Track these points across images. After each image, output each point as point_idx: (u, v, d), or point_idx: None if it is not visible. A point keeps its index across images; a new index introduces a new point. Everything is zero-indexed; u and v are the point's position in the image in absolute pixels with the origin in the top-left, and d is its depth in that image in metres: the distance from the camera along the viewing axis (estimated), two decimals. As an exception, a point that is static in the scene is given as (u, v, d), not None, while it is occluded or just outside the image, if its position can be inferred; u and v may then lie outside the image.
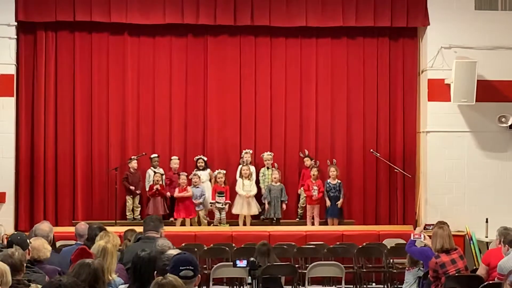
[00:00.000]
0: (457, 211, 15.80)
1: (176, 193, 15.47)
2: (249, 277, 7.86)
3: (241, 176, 15.71)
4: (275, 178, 15.70)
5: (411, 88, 16.65)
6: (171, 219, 15.54)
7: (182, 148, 16.35)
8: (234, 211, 15.66)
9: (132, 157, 15.83)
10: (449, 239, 9.68)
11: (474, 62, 15.62)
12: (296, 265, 12.43)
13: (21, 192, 15.76)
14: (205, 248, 13.46)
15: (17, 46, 15.72)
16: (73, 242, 10.21)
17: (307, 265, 12.45)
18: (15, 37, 15.58)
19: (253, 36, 16.53)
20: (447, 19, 16.10)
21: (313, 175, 15.70)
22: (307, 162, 16.05)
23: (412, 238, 10.56)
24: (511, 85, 16.09)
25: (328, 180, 15.74)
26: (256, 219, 15.90)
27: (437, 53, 16.05)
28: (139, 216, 15.67)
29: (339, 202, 15.67)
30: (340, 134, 16.61)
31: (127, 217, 15.71)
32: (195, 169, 15.86)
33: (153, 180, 15.49)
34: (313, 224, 15.66)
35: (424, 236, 10.47)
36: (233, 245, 13.72)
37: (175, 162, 15.88)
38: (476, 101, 15.58)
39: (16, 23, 15.51)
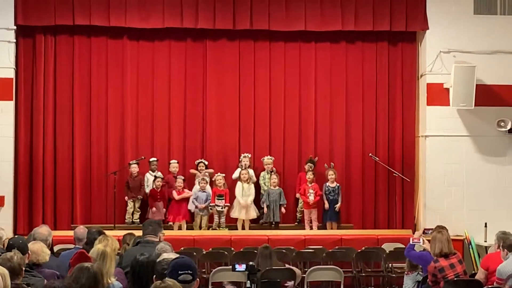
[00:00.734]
0: (456, 215, 15.81)
1: (176, 196, 15.45)
2: (248, 281, 7.86)
3: (240, 180, 15.71)
4: (273, 182, 15.70)
5: (410, 92, 16.66)
6: (170, 223, 15.56)
7: (181, 152, 16.34)
8: (233, 214, 15.65)
9: (131, 162, 15.82)
10: (448, 244, 9.67)
11: (473, 66, 15.63)
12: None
13: (20, 196, 15.76)
14: (204, 252, 13.44)
15: (16, 50, 15.73)
16: (71, 246, 10.22)
17: (306, 269, 12.43)
18: (14, 41, 15.59)
19: (252, 40, 16.54)
20: (446, 23, 16.13)
21: (309, 178, 15.70)
22: (307, 166, 16.02)
23: (411, 243, 10.56)
24: (510, 90, 16.11)
25: (327, 183, 15.74)
26: (255, 223, 15.90)
27: (436, 58, 16.06)
28: (138, 220, 15.66)
29: (337, 206, 15.67)
30: (339, 138, 16.61)
31: (126, 220, 15.69)
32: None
33: (154, 185, 15.46)
34: (311, 228, 15.65)
35: (423, 241, 10.47)
36: (232, 249, 13.70)
37: (174, 166, 15.87)
38: (475, 105, 15.59)
39: (15, 27, 15.53)
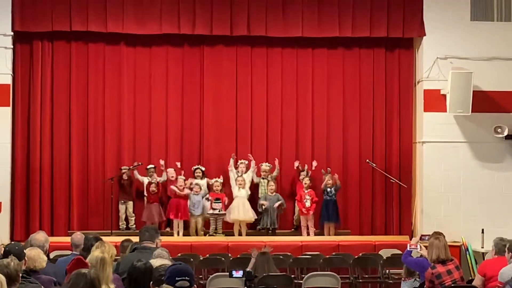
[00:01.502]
0: (453, 221, 15.81)
1: (175, 189, 15.49)
2: (245, 288, 7.85)
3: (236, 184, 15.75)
4: (271, 189, 15.70)
5: (407, 98, 16.67)
6: (167, 229, 15.55)
7: (178, 158, 16.32)
8: (232, 216, 15.58)
9: (122, 167, 15.81)
10: (445, 250, 9.68)
11: (470, 72, 15.65)
12: (292, 276, 12.41)
13: (17, 202, 15.74)
14: (201, 258, 13.43)
15: (14, 56, 15.73)
16: (69, 252, 10.20)
17: (303, 276, 12.42)
18: (12, 47, 15.59)
19: (249, 46, 16.55)
20: (443, 29, 16.15)
21: (305, 184, 15.70)
22: (301, 177, 16.02)
23: (408, 249, 10.55)
24: (507, 96, 16.13)
25: (326, 186, 15.75)
26: (252, 229, 15.89)
27: (433, 64, 16.08)
28: (134, 226, 15.66)
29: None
30: (336, 144, 16.62)
31: (120, 226, 15.69)
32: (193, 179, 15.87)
33: (150, 190, 15.47)
34: (308, 234, 15.65)
35: (420, 247, 10.46)
36: (229, 255, 13.69)
37: (171, 173, 15.86)
38: (472, 111, 15.60)
39: (12, 33, 15.53)
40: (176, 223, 15.49)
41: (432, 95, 16.07)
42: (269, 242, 14.68)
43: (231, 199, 15.73)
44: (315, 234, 15.67)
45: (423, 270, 9.86)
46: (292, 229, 16.23)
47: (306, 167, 16.10)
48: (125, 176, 15.77)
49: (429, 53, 16.17)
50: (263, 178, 15.95)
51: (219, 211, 15.47)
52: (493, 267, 9.46)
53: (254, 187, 16.03)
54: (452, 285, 9.43)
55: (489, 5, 16.34)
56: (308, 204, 15.59)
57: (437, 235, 9.91)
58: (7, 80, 15.53)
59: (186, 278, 5.96)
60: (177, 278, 5.94)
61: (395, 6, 16.22)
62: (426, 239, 11.16)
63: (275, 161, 16.00)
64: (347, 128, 16.66)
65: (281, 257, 13.25)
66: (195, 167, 15.96)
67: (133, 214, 15.86)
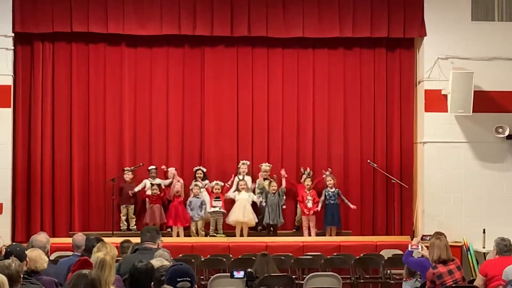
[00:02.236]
0: (454, 221, 15.80)
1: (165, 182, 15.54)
2: (247, 288, 7.84)
3: (237, 189, 15.70)
4: (273, 189, 15.68)
5: (408, 98, 16.67)
6: (168, 229, 15.55)
7: (179, 159, 16.33)
8: (232, 218, 15.59)
9: (125, 168, 15.82)
10: (446, 250, 9.68)
11: (471, 72, 15.64)
12: (294, 276, 12.41)
13: (18, 203, 15.73)
14: (202, 259, 13.43)
15: (14, 57, 15.72)
16: (70, 253, 10.21)
17: (304, 276, 12.42)
18: (12, 48, 15.59)
19: (250, 47, 16.55)
20: (444, 29, 16.14)
21: (307, 185, 15.70)
22: (303, 179, 16.01)
23: (409, 249, 10.56)
24: (508, 96, 16.12)
25: (327, 188, 15.74)
26: (253, 230, 15.89)
27: (434, 64, 16.07)
28: (135, 227, 15.66)
29: (350, 205, 15.71)
30: (337, 145, 16.61)
31: (121, 227, 15.68)
32: (194, 180, 15.85)
33: (151, 192, 15.46)
34: (309, 234, 15.65)
35: (422, 247, 10.48)
36: (230, 256, 13.69)
37: (172, 173, 15.87)
38: (473, 111, 15.60)
39: (13, 34, 15.53)
40: (175, 230, 15.47)
41: (433, 95, 16.07)
42: (270, 242, 14.74)
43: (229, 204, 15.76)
44: (317, 235, 15.67)
45: (424, 270, 9.86)
46: (294, 230, 16.22)
47: (308, 169, 16.10)
48: (127, 178, 15.74)
49: (430, 53, 16.17)
50: (265, 179, 15.94)
51: (219, 209, 15.47)
52: (494, 267, 9.46)
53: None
54: (454, 285, 9.43)
55: (490, 5, 16.34)
56: (310, 204, 15.59)
57: (438, 235, 9.92)
58: (8, 81, 15.53)
59: (187, 278, 5.96)
60: (178, 279, 5.94)
61: (396, 6, 16.22)
62: (427, 239, 11.16)
63: (282, 176, 15.96)
64: (348, 129, 16.65)
65: (282, 257, 13.25)
66: (196, 168, 15.95)
67: (134, 216, 15.85)
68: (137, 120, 16.32)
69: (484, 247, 15.12)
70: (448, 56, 16.07)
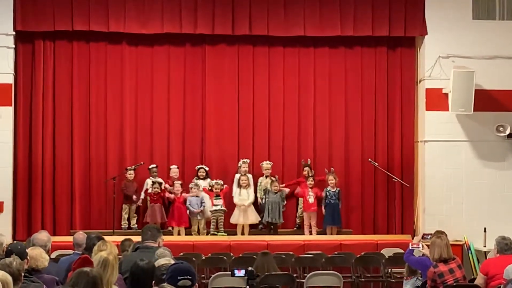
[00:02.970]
0: (455, 220, 15.80)
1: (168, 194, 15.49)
2: (248, 287, 7.84)
3: (239, 186, 15.71)
4: (275, 188, 15.68)
5: (409, 97, 16.67)
6: (169, 228, 15.55)
7: (180, 157, 16.34)
8: (232, 220, 15.65)
9: (128, 167, 15.82)
10: (447, 249, 9.68)
11: (472, 71, 15.63)
12: (294, 275, 12.39)
13: (19, 202, 15.74)
14: (203, 257, 13.43)
15: (15, 56, 15.72)
16: (71, 251, 10.21)
17: (305, 275, 12.41)
18: (13, 46, 15.58)
19: (251, 45, 16.55)
20: (445, 28, 16.14)
21: (310, 184, 15.71)
22: (306, 172, 16.02)
23: (410, 248, 10.55)
24: (509, 95, 16.12)
25: (328, 188, 15.74)
26: (254, 228, 15.89)
27: (435, 63, 16.07)
28: (136, 226, 15.66)
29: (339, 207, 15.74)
30: (338, 144, 16.61)
31: (122, 226, 15.67)
32: (195, 178, 15.85)
33: (152, 190, 15.46)
34: (310, 233, 15.65)
35: (422, 246, 10.46)
36: (231, 254, 13.68)
37: (174, 171, 15.88)
38: (474, 110, 15.59)
39: (14, 33, 15.52)
40: (176, 229, 15.47)
41: (434, 94, 16.07)
42: (271, 241, 14.74)
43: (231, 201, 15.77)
44: (318, 233, 15.67)
45: (425, 269, 9.86)
46: (295, 228, 16.22)
47: (309, 161, 16.11)
48: (129, 176, 15.74)
49: (431, 51, 16.17)
50: (266, 177, 15.95)
51: (220, 207, 15.48)
52: (495, 265, 9.45)
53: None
54: (454, 284, 9.43)
55: (491, 3, 16.32)
56: (311, 200, 15.59)
57: (439, 234, 9.92)
58: (9, 79, 15.53)
59: (188, 277, 5.97)
60: (179, 277, 5.94)
61: (397, 5, 16.21)
62: (428, 238, 11.14)
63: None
64: (349, 127, 16.64)
65: (283, 256, 13.25)
66: (198, 167, 15.95)
67: (135, 215, 15.86)
68: (138, 118, 16.33)
69: (485, 246, 15.10)
70: (449, 54, 16.07)
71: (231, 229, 15.68)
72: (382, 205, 16.54)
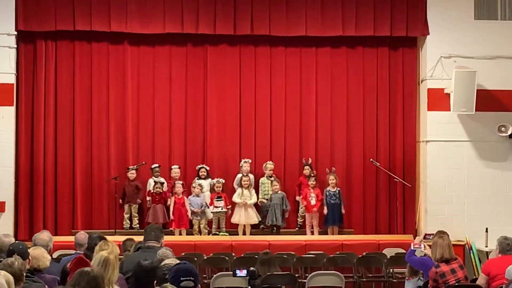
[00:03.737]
0: (457, 220, 15.80)
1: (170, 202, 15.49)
2: (249, 287, 7.84)
3: (240, 186, 15.70)
4: (275, 188, 15.68)
5: (411, 97, 16.66)
6: (170, 228, 15.55)
7: (182, 157, 16.34)
8: (233, 220, 15.65)
9: (129, 167, 15.83)
10: (449, 249, 9.67)
11: (474, 71, 15.63)
12: (296, 275, 12.41)
13: (21, 202, 15.74)
14: (205, 257, 13.43)
15: (17, 56, 15.72)
16: (72, 251, 10.21)
17: (307, 275, 12.41)
18: (15, 46, 15.58)
19: (252, 45, 16.55)
20: (447, 28, 16.13)
21: (311, 184, 15.70)
22: (307, 171, 16.03)
23: (412, 248, 10.53)
24: (511, 95, 16.10)
25: (328, 188, 15.74)
26: (256, 229, 15.89)
27: (437, 63, 16.06)
28: (138, 225, 15.67)
29: (343, 208, 15.72)
30: (340, 144, 16.61)
31: (124, 226, 15.67)
32: (196, 178, 15.85)
33: (154, 190, 15.46)
34: (312, 233, 15.65)
35: (424, 246, 10.45)
36: (233, 254, 13.67)
37: (175, 171, 15.88)
38: (475, 110, 15.59)
39: (16, 33, 15.52)
40: (177, 230, 15.46)
41: (436, 94, 16.06)
42: (273, 241, 14.74)
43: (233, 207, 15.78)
44: (319, 234, 15.67)
45: (427, 269, 9.85)
46: (296, 228, 16.21)
47: (310, 160, 16.11)
48: (130, 176, 15.74)
49: (432, 52, 16.16)
50: (268, 177, 15.95)
51: (221, 209, 15.48)
52: (497, 266, 9.46)
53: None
54: (456, 284, 9.42)
55: (492, 3, 16.30)
56: (313, 201, 15.59)
57: (441, 234, 9.91)
58: (11, 79, 15.52)
59: (191, 278, 5.95)
60: (181, 278, 5.93)
61: (399, 5, 16.21)
62: (430, 238, 11.16)
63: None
64: (351, 127, 16.64)
65: (285, 256, 13.25)
66: (199, 166, 15.96)
67: (137, 215, 15.86)
68: (140, 118, 16.33)
69: (486, 246, 15.09)
70: (451, 54, 16.06)
71: (232, 229, 15.68)
72: (384, 205, 16.54)
